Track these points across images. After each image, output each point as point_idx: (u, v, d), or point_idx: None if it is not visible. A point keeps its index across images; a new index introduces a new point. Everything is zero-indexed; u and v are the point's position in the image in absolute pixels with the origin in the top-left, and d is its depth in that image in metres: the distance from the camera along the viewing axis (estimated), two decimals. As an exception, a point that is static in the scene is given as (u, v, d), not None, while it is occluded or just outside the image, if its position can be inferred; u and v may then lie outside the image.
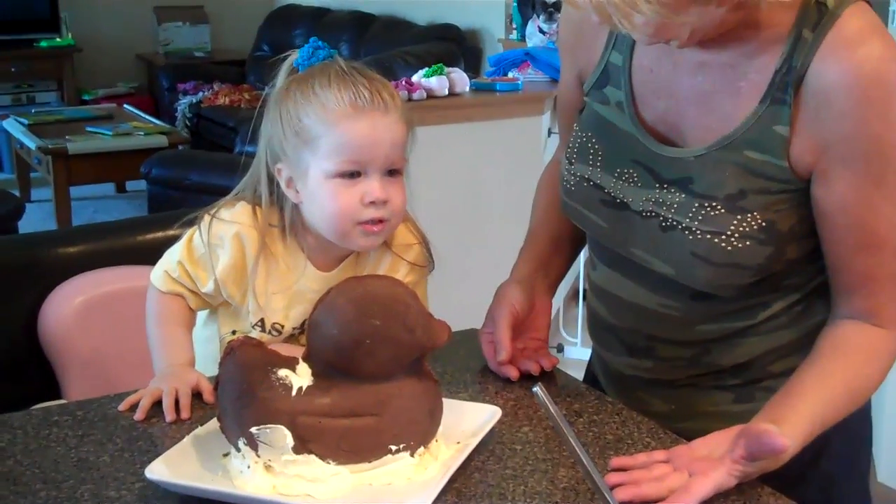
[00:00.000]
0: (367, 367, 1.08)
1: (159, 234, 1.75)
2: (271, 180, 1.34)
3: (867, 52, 1.12)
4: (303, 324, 1.36)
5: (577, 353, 3.76)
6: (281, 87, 1.33)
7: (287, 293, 1.36)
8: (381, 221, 1.29)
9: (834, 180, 1.16)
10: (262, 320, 1.37)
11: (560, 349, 3.89)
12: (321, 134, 1.27)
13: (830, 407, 1.16)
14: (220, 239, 1.34)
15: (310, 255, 1.36)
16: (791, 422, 1.10)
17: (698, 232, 1.19)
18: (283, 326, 1.38)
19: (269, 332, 1.38)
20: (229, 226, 1.34)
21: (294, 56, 1.34)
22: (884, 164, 1.14)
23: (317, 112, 1.27)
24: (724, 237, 1.18)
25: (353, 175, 1.28)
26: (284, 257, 1.36)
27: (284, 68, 1.34)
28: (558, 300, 3.96)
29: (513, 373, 1.35)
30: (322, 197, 1.29)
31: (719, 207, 1.18)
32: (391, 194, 1.29)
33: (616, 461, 1.12)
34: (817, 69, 1.13)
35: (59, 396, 1.72)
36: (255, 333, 1.37)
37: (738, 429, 1.10)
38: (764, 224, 1.18)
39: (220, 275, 1.34)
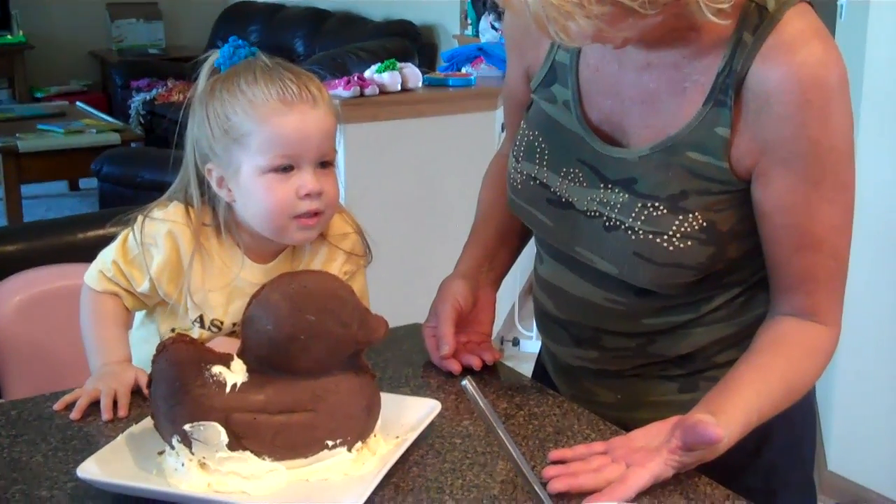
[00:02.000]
0: (303, 362, 1.08)
1: (100, 232, 1.72)
2: (201, 182, 1.33)
3: (806, 56, 1.12)
4: (244, 319, 1.35)
5: (532, 347, 3.76)
6: (205, 87, 1.31)
7: (225, 290, 1.35)
8: (316, 214, 1.29)
9: (773, 182, 1.16)
10: (200, 317, 1.36)
11: (516, 343, 3.90)
12: (251, 130, 1.26)
13: (767, 400, 1.16)
14: (153, 238, 1.33)
15: (246, 251, 1.35)
16: (727, 413, 1.10)
17: (641, 232, 1.19)
18: (222, 322, 1.36)
19: (209, 329, 1.36)
20: (162, 224, 1.33)
21: (215, 56, 1.32)
22: (821, 166, 1.15)
23: (245, 109, 1.26)
24: (666, 237, 1.18)
25: (286, 169, 1.27)
26: (220, 254, 1.35)
27: (206, 69, 1.32)
28: (514, 294, 3.97)
29: (455, 367, 1.35)
30: (256, 193, 1.28)
31: (661, 208, 1.18)
32: (325, 186, 1.28)
33: (555, 454, 1.12)
34: (757, 72, 1.13)
35: (-1, 396, 1.69)
36: (196, 330, 1.36)
37: (676, 419, 1.10)
38: (705, 224, 1.18)
39: (155, 273, 1.33)
